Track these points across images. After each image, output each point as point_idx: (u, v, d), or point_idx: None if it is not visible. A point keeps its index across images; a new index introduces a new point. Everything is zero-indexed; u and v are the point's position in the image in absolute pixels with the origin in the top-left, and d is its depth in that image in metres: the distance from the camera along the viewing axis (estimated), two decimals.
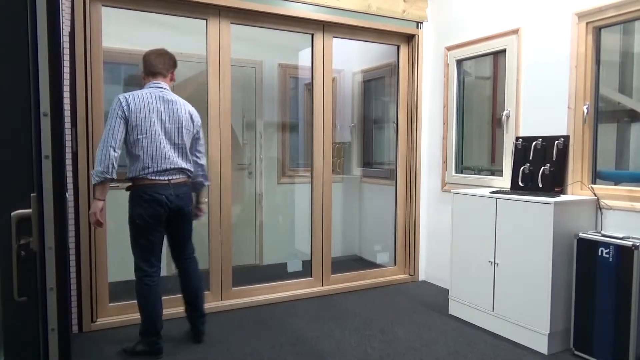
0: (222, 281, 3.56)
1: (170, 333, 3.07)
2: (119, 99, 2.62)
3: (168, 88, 2.81)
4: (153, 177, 2.65)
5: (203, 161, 2.98)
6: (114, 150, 2.54)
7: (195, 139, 2.89)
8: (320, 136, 3.85)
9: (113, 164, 2.54)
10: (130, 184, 2.69)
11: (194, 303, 2.95)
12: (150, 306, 2.72)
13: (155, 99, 2.70)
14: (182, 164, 2.77)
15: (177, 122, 2.74)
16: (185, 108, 2.81)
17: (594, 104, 2.99)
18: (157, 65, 2.80)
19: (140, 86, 2.82)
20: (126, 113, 2.59)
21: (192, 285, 2.95)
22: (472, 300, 3.29)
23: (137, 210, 2.66)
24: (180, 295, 3.00)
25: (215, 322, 3.28)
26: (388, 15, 4.04)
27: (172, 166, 2.71)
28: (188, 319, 2.97)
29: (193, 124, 2.85)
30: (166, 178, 2.69)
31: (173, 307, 3.36)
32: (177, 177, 2.75)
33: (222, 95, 3.49)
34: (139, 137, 2.62)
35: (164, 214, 2.70)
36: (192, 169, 2.86)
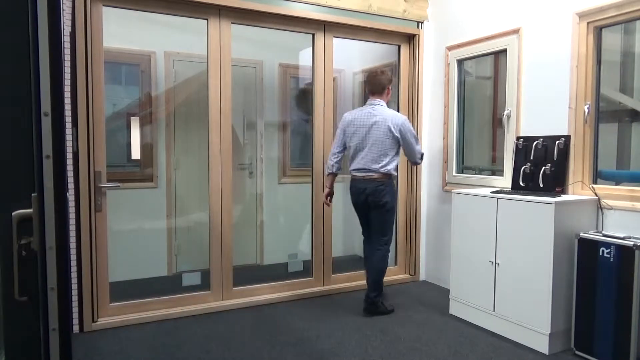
0: (222, 281, 3.56)
1: (176, 333, 3.07)
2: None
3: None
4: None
5: None
6: None
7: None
8: (321, 136, 3.85)
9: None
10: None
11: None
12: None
13: None
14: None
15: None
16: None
17: (594, 103, 2.99)
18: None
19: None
20: None
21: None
22: (472, 300, 3.29)
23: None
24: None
25: (215, 322, 3.28)
26: (389, 15, 4.04)
27: None
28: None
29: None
30: None
31: (172, 307, 3.37)
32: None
33: (223, 95, 3.49)
34: None
35: None
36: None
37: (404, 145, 3.38)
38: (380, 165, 3.32)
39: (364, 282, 4.06)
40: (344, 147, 3.47)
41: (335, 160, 3.46)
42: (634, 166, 3.03)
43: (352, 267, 4.13)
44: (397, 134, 3.31)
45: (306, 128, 4.38)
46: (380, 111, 3.36)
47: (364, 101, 3.68)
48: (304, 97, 4.60)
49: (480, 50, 3.73)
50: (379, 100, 3.42)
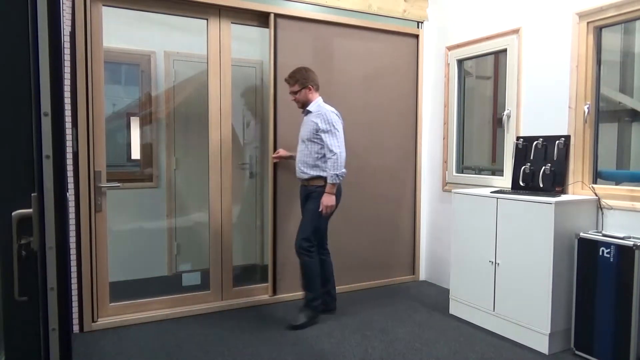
0: (222, 281, 3.56)
1: (176, 333, 3.07)
2: (335, 113, 3.22)
3: None
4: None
5: None
6: None
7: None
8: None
9: None
10: (323, 182, 3.19)
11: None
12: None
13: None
14: None
15: None
16: None
17: (594, 103, 2.99)
18: (318, 80, 3.34)
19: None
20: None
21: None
22: (472, 300, 3.29)
23: (337, 202, 3.25)
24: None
25: (215, 322, 3.28)
26: (389, 15, 4.04)
27: None
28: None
29: None
30: None
31: (172, 307, 3.37)
32: None
33: (223, 94, 3.49)
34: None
35: None
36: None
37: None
38: None
39: (364, 282, 4.07)
40: None
41: None
42: (634, 166, 3.03)
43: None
44: None
45: None
46: None
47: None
48: None
49: (480, 50, 3.73)
50: None
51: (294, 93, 3.27)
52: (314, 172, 3.22)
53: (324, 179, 3.18)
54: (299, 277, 3.39)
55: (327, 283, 3.45)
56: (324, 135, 3.15)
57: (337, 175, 3.13)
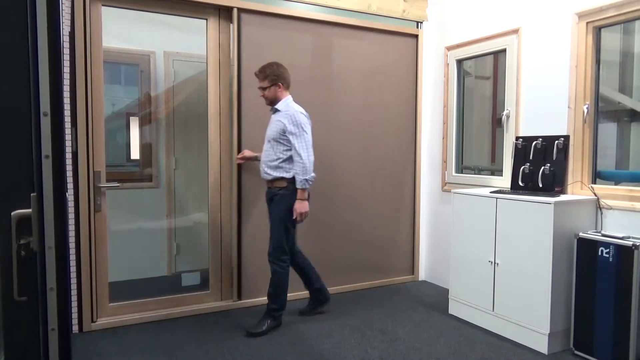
0: (222, 281, 3.56)
1: (175, 333, 3.07)
2: (304, 114, 3.08)
3: None
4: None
5: None
6: None
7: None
8: None
9: None
10: (287, 183, 3.07)
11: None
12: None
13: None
14: None
15: None
16: None
17: (594, 103, 2.99)
18: (290, 78, 3.20)
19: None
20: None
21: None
22: (472, 300, 3.29)
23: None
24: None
25: (215, 322, 3.28)
26: (388, 15, 4.04)
27: None
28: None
29: None
30: None
31: (172, 307, 3.37)
32: None
33: (222, 94, 3.49)
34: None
35: None
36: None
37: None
38: None
39: (364, 282, 4.07)
40: None
41: None
42: (633, 166, 3.03)
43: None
44: None
45: None
46: None
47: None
48: None
49: (480, 50, 3.74)
50: None
51: (263, 89, 3.12)
52: (277, 174, 3.08)
53: (287, 180, 3.06)
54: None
55: (313, 282, 3.38)
56: (291, 137, 3.01)
57: (306, 180, 3.00)
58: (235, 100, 3.46)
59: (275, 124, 3.10)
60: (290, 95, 3.18)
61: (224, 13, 3.45)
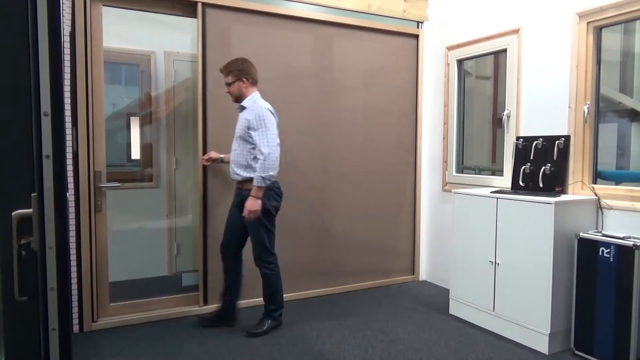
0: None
1: (175, 333, 3.07)
2: (270, 110, 2.96)
3: None
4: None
5: None
6: None
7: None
8: None
9: None
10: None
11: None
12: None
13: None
14: None
15: None
16: None
17: (594, 103, 2.99)
18: (257, 74, 3.10)
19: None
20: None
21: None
22: (472, 300, 3.29)
23: (273, 203, 3.01)
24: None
25: (215, 322, 3.27)
26: (389, 15, 4.04)
27: None
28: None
29: None
30: None
31: (172, 307, 3.37)
32: None
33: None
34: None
35: None
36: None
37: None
38: None
39: (364, 282, 4.07)
40: None
41: None
42: (634, 166, 3.03)
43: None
44: None
45: None
46: None
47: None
48: None
49: (480, 50, 3.73)
50: None
51: (227, 85, 3.03)
52: (247, 174, 2.96)
53: None
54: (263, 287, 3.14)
55: (233, 295, 3.19)
56: (254, 133, 2.89)
57: (263, 178, 2.85)
58: (200, 98, 3.36)
59: (241, 121, 3.00)
60: (257, 92, 3.07)
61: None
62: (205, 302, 3.47)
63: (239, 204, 3.04)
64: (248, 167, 2.97)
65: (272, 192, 3.00)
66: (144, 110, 4.04)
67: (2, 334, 1.03)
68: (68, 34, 2.95)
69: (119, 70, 3.95)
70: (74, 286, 3.05)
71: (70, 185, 2.99)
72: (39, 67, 1.00)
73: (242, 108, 3.04)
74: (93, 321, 3.12)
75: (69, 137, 2.97)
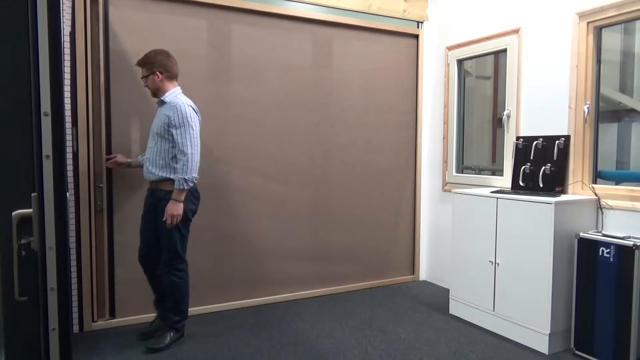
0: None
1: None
2: (192, 108, 2.79)
3: None
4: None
5: None
6: None
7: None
8: None
9: None
10: (173, 187, 2.77)
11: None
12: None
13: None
14: None
15: None
16: None
17: (594, 103, 2.99)
18: (176, 68, 2.91)
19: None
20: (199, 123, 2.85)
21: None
22: (472, 300, 3.29)
23: (190, 207, 2.83)
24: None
25: (215, 322, 3.28)
26: (389, 15, 4.04)
27: None
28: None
29: None
30: None
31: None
32: None
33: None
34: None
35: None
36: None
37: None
38: None
39: (365, 282, 4.07)
40: None
41: None
42: (634, 166, 3.03)
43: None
44: None
45: None
46: None
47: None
48: None
49: (480, 50, 3.73)
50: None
51: (142, 78, 2.86)
52: (163, 173, 2.78)
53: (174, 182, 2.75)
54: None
55: (162, 299, 2.97)
56: (175, 131, 2.71)
57: (185, 180, 2.68)
58: (103, 93, 3.05)
59: (159, 117, 2.81)
60: (178, 87, 2.88)
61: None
62: (113, 315, 3.19)
63: (152, 206, 2.86)
64: (165, 166, 2.78)
65: (191, 194, 2.81)
66: None
67: (2, 334, 1.03)
68: (68, 34, 2.94)
69: None
70: (74, 286, 3.05)
71: (71, 185, 2.98)
72: (39, 67, 1.00)
73: (162, 103, 2.85)
74: (93, 321, 3.12)
75: (69, 137, 2.97)
